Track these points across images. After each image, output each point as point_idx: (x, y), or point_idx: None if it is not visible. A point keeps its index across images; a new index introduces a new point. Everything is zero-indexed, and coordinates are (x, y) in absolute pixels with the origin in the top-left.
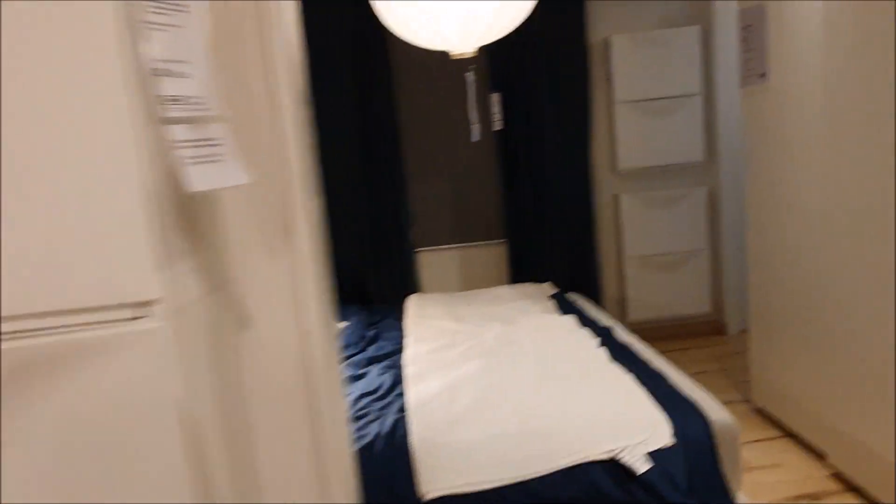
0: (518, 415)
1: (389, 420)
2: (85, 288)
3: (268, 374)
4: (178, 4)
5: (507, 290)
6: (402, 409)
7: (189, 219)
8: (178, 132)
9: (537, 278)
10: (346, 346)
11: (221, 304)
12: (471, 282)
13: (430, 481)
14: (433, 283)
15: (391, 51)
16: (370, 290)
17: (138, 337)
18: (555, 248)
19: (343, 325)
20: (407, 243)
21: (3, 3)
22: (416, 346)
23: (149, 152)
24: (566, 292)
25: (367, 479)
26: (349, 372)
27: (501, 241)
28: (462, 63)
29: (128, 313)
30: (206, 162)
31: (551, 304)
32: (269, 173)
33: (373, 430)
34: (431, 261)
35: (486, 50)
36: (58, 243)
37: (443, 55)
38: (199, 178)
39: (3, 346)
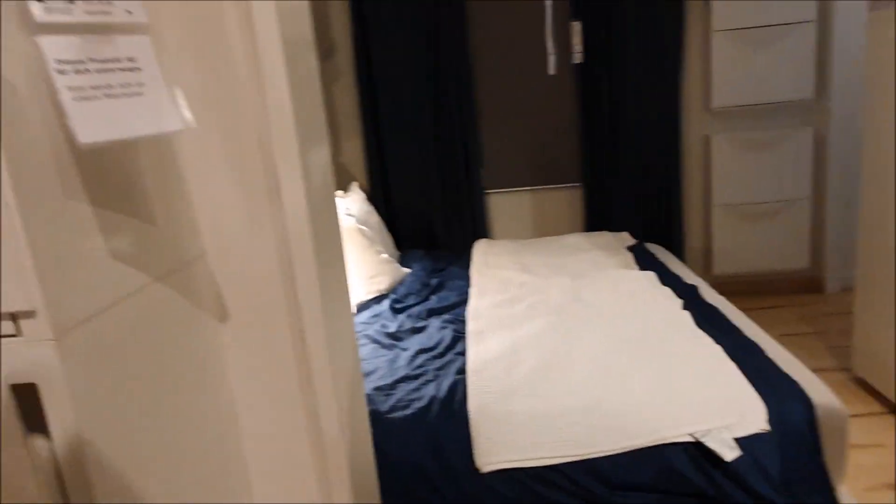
0: (585, 386)
1: (447, 383)
2: None
3: (252, 381)
4: None
5: (580, 239)
6: (460, 371)
7: (111, 182)
8: (58, 47)
9: (614, 226)
10: (407, 296)
11: (177, 292)
12: (543, 227)
13: (488, 453)
14: (503, 228)
15: None
16: (437, 234)
17: (7, 360)
18: (634, 194)
19: (405, 271)
20: (476, 185)
21: None
22: (479, 299)
23: (18, 78)
24: (645, 242)
25: (420, 446)
26: (409, 324)
27: (576, 184)
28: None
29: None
30: (112, 96)
31: (628, 257)
32: (246, 112)
33: (429, 392)
34: (502, 204)
35: None
36: None
37: None
38: (93, 125)
39: None
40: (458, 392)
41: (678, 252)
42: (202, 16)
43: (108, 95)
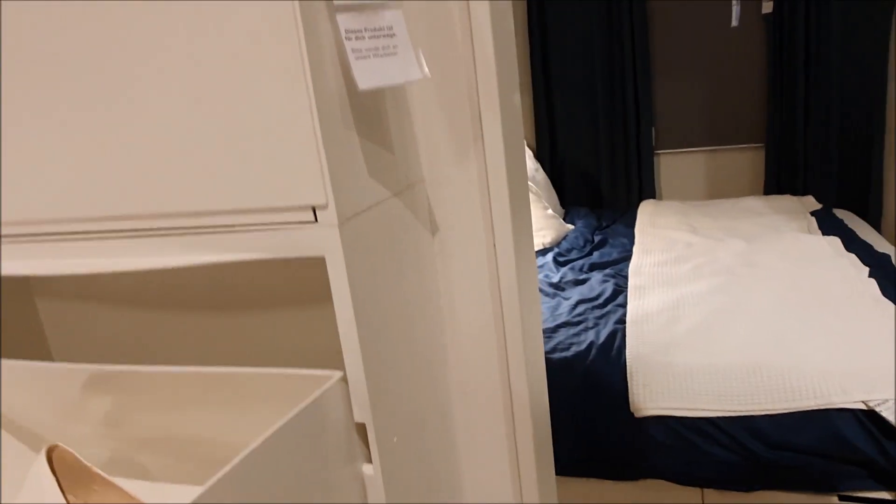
0: (749, 345)
1: (606, 331)
2: (258, 190)
3: (454, 282)
4: None
5: (757, 202)
6: (620, 322)
7: (370, 118)
8: (348, 21)
9: (799, 191)
10: (570, 250)
11: (406, 207)
12: (717, 190)
13: (644, 399)
14: (673, 190)
15: None
16: (602, 193)
17: (307, 241)
18: (826, 157)
19: (569, 227)
20: (646, 143)
21: None
22: (642, 257)
23: (320, 46)
24: (833, 209)
25: (577, 387)
26: (571, 276)
27: (758, 144)
28: None
29: (300, 217)
30: (378, 56)
31: (811, 222)
32: (458, 66)
33: (588, 338)
34: (673, 164)
35: None
36: (230, 145)
37: None
38: (369, 75)
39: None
40: (616, 340)
41: (874, 221)
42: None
43: (375, 55)
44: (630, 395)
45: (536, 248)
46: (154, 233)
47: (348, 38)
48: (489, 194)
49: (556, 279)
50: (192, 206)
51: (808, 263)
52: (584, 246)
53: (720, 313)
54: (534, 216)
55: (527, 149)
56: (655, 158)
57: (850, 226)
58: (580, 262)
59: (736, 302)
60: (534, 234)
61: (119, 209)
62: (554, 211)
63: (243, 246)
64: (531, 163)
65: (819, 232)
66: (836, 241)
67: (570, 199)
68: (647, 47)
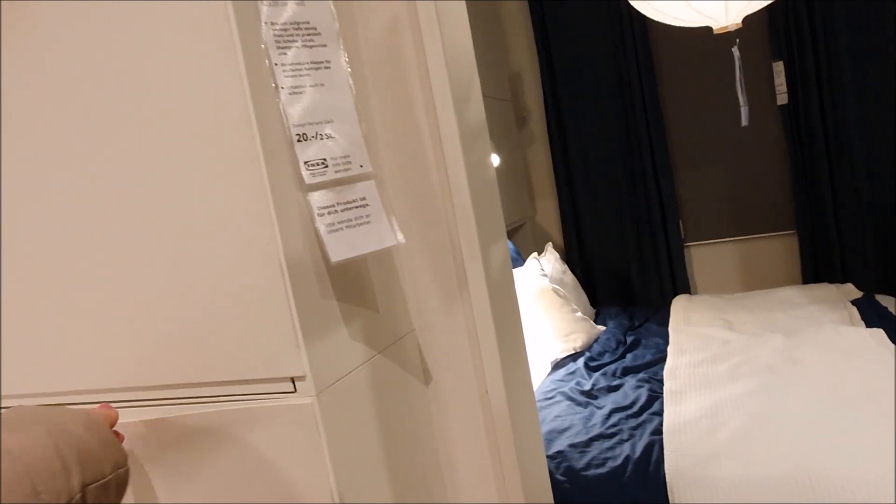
0: (797, 453)
1: (642, 443)
2: (235, 361)
3: (451, 431)
4: (316, 63)
5: (794, 293)
6: (657, 432)
7: (349, 281)
8: (319, 199)
9: (836, 278)
10: (602, 353)
11: (395, 362)
12: (752, 281)
13: None
14: (706, 282)
15: (652, 33)
16: (633, 290)
17: (288, 411)
18: (861, 240)
19: (600, 329)
20: (675, 237)
21: (142, 77)
22: (677, 357)
23: (292, 223)
24: (875, 295)
25: None
26: (603, 382)
27: (790, 232)
28: (728, 37)
29: (276, 388)
30: (351, 227)
31: (853, 312)
32: (440, 222)
33: (623, 452)
34: (704, 256)
35: (764, 12)
36: (206, 316)
37: (705, 31)
38: (340, 248)
39: (169, 412)
40: (653, 453)
41: None
42: (409, 159)
43: (348, 227)
44: None
45: (567, 354)
46: (135, 404)
47: (321, 215)
48: (478, 340)
49: (588, 387)
50: (175, 379)
51: (851, 358)
52: (617, 348)
53: (762, 417)
54: (562, 320)
55: (554, 251)
56: (685, 251)
57: (894, 313)
58: (613, 366)
59: (778, 404)
60: (563, 338)
61: (100, 382)
62: (584, 312)
63: (224, 417)
64: (558, 265)
65: (862, 323)
66: (879, 333)
67: (601, 298)
68: (665, 143)
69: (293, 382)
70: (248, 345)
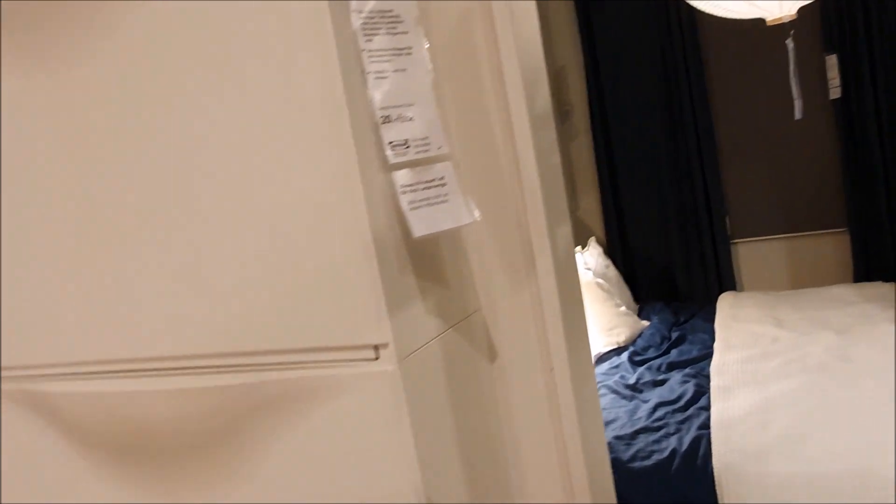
0: (851, 452)
1: (689, 437)
2: (320, 329)
3: (514, 408)
4: (399, 50)
5: (846, 291)
6: (703, 427)
7: (425, 258)
8: (403, 177)
9: (889, 277)
10: (646, 349)
11: (464, 338)
12: (800, 279)
13: None
14: (753, 280)
15: (700, 26)
16: (678, 287)
17: (370, 378)
18: None
19: (644, 324)
20: (721, 234)
21: (231, 58)
22: (724, 353)
23: (378, 200)
24: None
25: (660, 499)
26: (648, 377)
27: (841, 229)
28: (781, 28)
29: (359, 355)
30: (431, 205)
31: None
32: (508, 204)
33: (670, 445)
34: (751, 253)
35: (816, 4)
36: (301, 287)
37: (757, 23)
38: (422, 223)
39: (255, 378)
40: (701, 447)
41: None
42: (478, 144)
43: (428, 204)
44: None
45: (610, 348)
46: (223, 370)
47: (403, 192)
48: (543, 320)
49: (632, 380)
50: (259, 346)
51: None
52: (662, 343)
53: (815, 415)
54: (606, 315)
55: (597, 246)
56: (732, 248)
57: None
58: (658, 360)
59: (832, 402)
60: (607, 332)
61: (191, 349)
62: (627, 308)
63: (309, 382)
64: (602, 260)
65: None
66: None
67: (644, 294)
68: (712, 137)
69: (376, 350)
70: (334, 313)
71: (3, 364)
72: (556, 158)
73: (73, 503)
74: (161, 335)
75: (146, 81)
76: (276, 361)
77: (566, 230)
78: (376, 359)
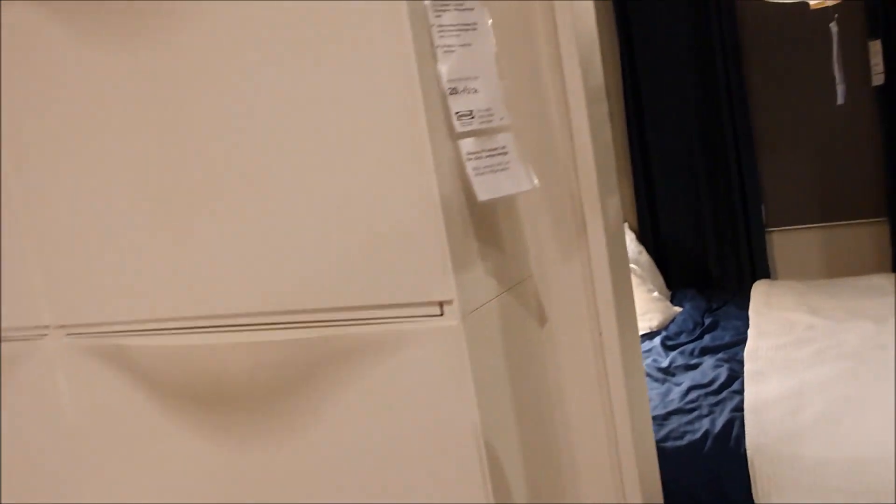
0: (886, 438)
1: (722, 419)
2: (389, 287)
3: (563, 369)
4: (466, 25)
5: (884, 281)
6: (737, 409)
7: (485, 223)
8: (468, 145)
9: None
10: (679, 334)
11: (517, 301)
12: (837, 269)
13: (769, 493)
14: (788, 269)
15: (739, 9)
16: (710, 274)
17: (435, 333)
18: None
19: (676, 310)
20: (756, 222)
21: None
22: (758, 340)
23: (445, 166)
24: None
25: (693, 479)
26: (681, 360)
27: (880, 219)
28: (824, 13)
29: (427, 311)
30: (494, 171)
31: None
32: (561, 175)
33: (702, 426)
34: (787, 242)
35: None
36: (369, 247)
37: (799, 7)
38: (486, 188)
39: (324, 333)
40: (734, 429)
41: None
42: (534, 116)
43: (491, 171)
44: (754, 489)
45: (642, 332)
46: (294, 326)
47: (469, 159)
48: (594, 287)
49: (664, 364)
50: (331, 303)
51: None
52: (694, 329)
53: (851, 401)
54: (638, 299)
55: (629, 231)
56: (767, 236)
57: None
58: (690, 345)
59: (868, 388)
60: (639, 317)
61: (266, 306)
62: (660, 293)
63: (376, 337)
64: (634, 245)
65: None
66: None
67: (676, 280)
68: (749, 123)
69: (441, 307)
70: (403, 272)
71: (88, 320)
72: (608, 132)
73: (150, 450)
74: (238, 293)
75: (227, 52)
76: (347, 318)
77: (616, 201)
78: (441, 315)
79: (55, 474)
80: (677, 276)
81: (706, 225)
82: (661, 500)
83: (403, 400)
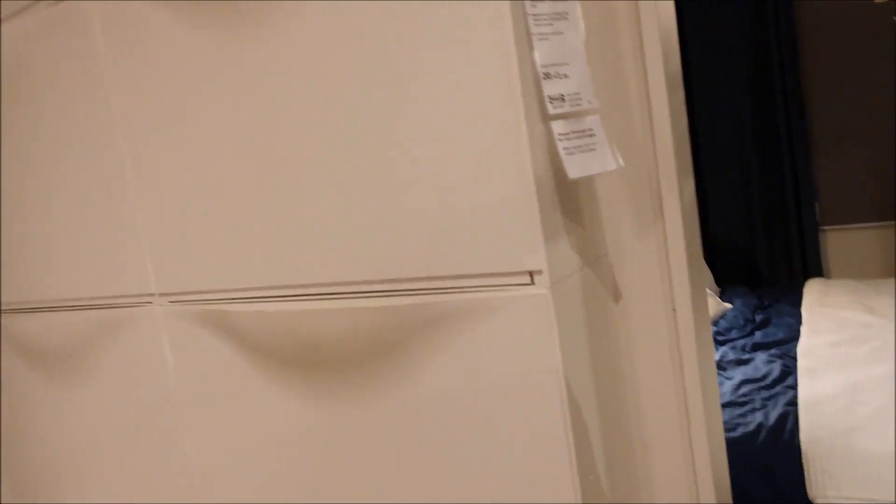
0: None
1: (775, 412)
2: (484, 257)
3: (636, 343)
4: (558, 14)
5: None
6: (790, 403)
7: (569, 201)
8: (559, 127)
9: None
10: (729, 329)
11: (595, 276)
12: (892, 269)
13: (823, 486)
14: (842, 269)
15: (796, 1)
16: (760, 272)
17: (525, 301)
18: None
19: (726, 306)
20: (809, 219)
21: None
22: (812, 337)
23: (537, 145)
24: None
25: (746, 470)
26: (732, 356)
27: None
28: (887, 7)
29: (517, 280)
30: (583, 151)
31: None
32: (640, 157)
33: (756, 419)
34: (842, 241)
35: None
36: (462, 220)
37: (860, 2)
38: (576, 167)
39: (419, 300)
40: (788, 422)
41: None
42: (615, 101)
43: (580, 151)
44: (807, 482)
45: None
46: (391, 294)
47: (560, 140)
48: (669, 264)
49: (715, 358)
50: (428, 272)
51: None
52: (745, 325)
53: None
54: None
55: None
56: (821, 235)
57: None
58: (741, 341)
59: None
60: None
61: (364, 274)
62: (709, 289)
63: (468, 304)
64: None
65: None
66: None
67: (724, 277)
68: (804, 118)
69: (531, 276)
70: (496, 243)
71: (190, 289)
72: (684, 117)
73: (248, 408)
74: (337, 263)
75: (336, 34)
76: (440, 286)
77: (691, 183)
78: (531, 284)
79: (159, 430)
80: (726, 273)
81: (757, 222)
82: (727, 469)
83: (492, 364)
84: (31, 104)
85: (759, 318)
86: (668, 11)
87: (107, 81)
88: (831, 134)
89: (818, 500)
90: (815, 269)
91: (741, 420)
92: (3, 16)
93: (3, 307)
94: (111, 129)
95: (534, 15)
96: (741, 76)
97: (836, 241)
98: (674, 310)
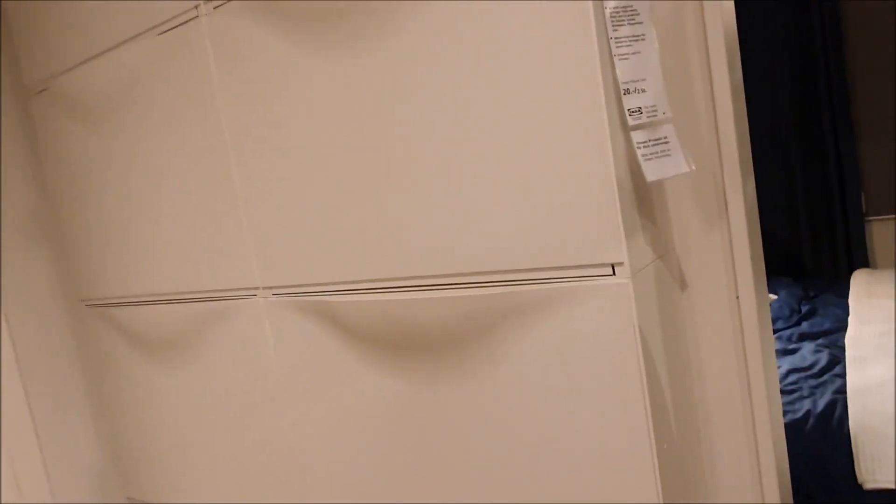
0: None
1: (823, 400)
2: (567, 251)
3: (702, 329)
4: (636, 36)
5: None
6: (839, 392)
7: (644, 200)
8: (638, 136)
9: None
10: (776, 320)
11: (665, 268)
12: None
13: (873, 472)
14: (889, 258)
15: None
16: (805, 263)
17: (608, 289)
18: None
19: (772, 297)
20: (855, 210)
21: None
22: (860, 327)
23: (619, 152)
24: None
25: (795, 456)
26: (778, 345)
27: None
28: None
29: (601, 272)
30: (658, 157)
31: None
32: (706, 159)
33: (803, 406)
34: (887, 231)
35: None
36: (552, 218)
37: None
38: (653, 171)
39: (510, 290)
40: (836, 410)
41: None
42: (684, 109)
43: (656, 157)
44: (857, 468)
45: None
46: (483, 285)
47: (639, 147)
48: (733, 256)
49: None
50: (518, 265)
51: None
52: (791, 316)
53: None
54: None
55: None
56: (866, 225)
57: None
58: (787, 331)
59: None
60: None
61: (449, 269)
62: None
63: (555, 293)
64: None
65: None
66: None
67: (769, 268)
68: (849, 107)
69: (612, 268)
70: (581, 238)
71: (291, 282)
72: (746, 122)
73: (345, 390)
74: (432, 257)
75: (438, 47)
76: (528, 278)
77: (752, 182)
78: (613, 275)
79: (260, 408)
80: (770, 264)
81: (801, 213)
82: (786, 447)
83: (577, 346)
84: (143, 115)
85: (805, 308)
86: (730, 20)
87: (216, 90)
88: (876, 124)
89: (868, 485)
90: (860, 259)
91: (789, 407)
92: (125, 38)
93: (115, 301)
94: (220, 137)
95: (615, 38)
96: (786, 66)
97: (882, 232)
98: (737, 297)
